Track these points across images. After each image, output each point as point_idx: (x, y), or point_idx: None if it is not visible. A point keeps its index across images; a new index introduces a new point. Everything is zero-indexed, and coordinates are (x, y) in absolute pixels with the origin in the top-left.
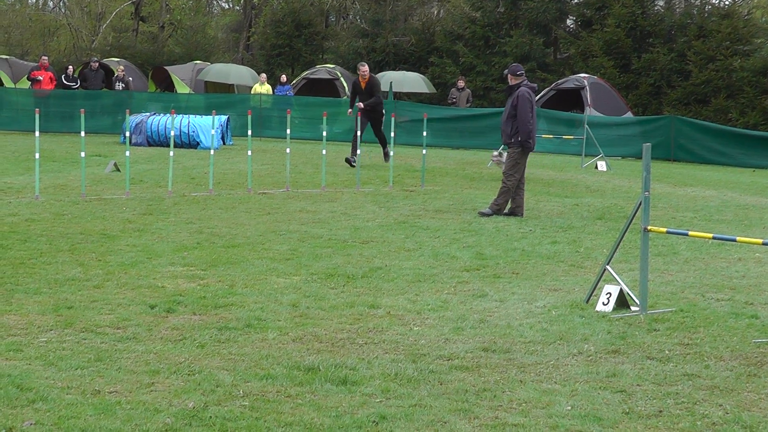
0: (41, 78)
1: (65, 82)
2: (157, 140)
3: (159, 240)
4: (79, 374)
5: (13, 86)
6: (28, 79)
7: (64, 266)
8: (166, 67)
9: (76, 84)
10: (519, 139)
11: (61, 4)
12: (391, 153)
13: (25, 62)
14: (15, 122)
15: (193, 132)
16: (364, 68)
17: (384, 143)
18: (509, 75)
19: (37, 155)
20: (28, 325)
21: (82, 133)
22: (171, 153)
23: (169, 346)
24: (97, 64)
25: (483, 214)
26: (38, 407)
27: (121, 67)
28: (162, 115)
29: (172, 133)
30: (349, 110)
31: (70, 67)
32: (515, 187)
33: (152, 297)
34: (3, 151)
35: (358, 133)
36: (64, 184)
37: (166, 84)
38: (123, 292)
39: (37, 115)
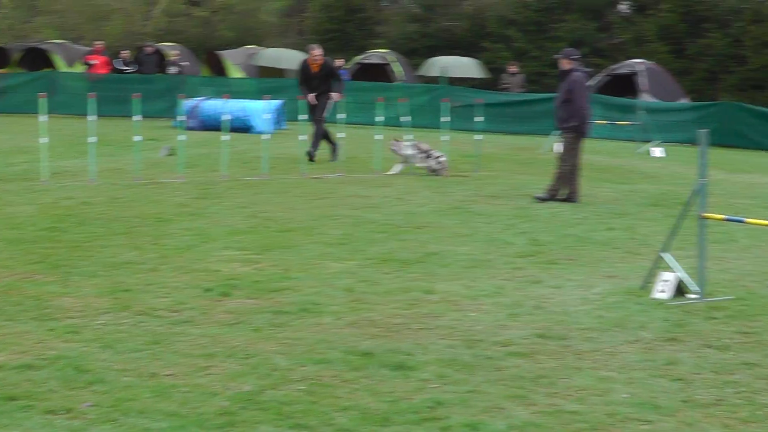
0: (96, 62)
1: (121, 66)
2: (211, 124)
3: (213, 224)
4: (136, 357)
5: (67, 70)
6: (83, 63)
7: (120, 249)
8: (218, 52)
9: (131, 68)
10: (573, 123)
11: None
12: (336, 157)
13: (80, 47)
14: (69, 106)
15: (247, 116)
16: (317, 51)
17: (326, 136)
18: (563, 59)
19: (92, 139)
20: (85, 307)
21: (137, 117)
22: (224, 137)
23: (224, 329)
24: (152, 48)
25: (538, 199)
26: (96, 389)
27: (175, 52)
28: (215, 99)
29: (226, 118)
30: (311, 96)
31: (125, 51)
32: (570, 173)
33: (207, 281)
34: (58, 135)
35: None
36: (118, 168)
37: (218, 68)
38: (178, 276)
39: (91, 99)
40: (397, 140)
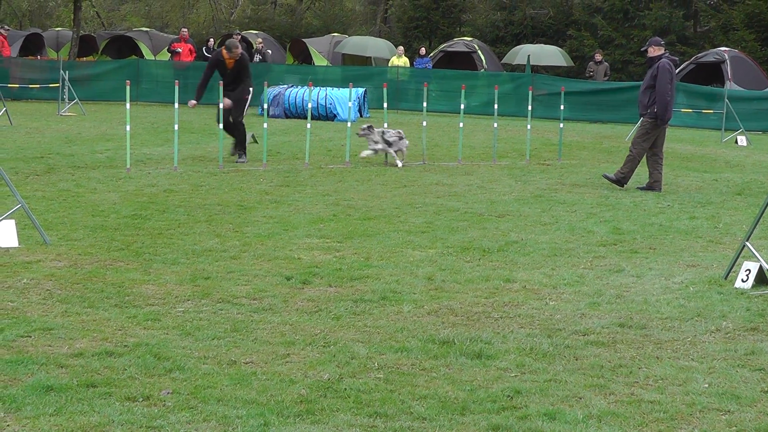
0: (181, 50)
1: (206, 54)
2: (295, 112)
3: (295, 212)
4: (216, 344)
5: (153, 58)
6: (168, 51)
7: (202, 237)
8: (303, 40)
9: None
10: (655, 110)
11: None
12: (244, 160)
13: (165, 34)
14: (154, 93)
15: (330, 104)
16: (238, 50)
17: (241, 139)
18: (651, 46)
19: (176, 126)
20: (166, 294)
21: (221, 105)
22: (308, 125)
23: (304, 317)
24: (239, 36)
25: (607, 177)
26: (175, 376)
27: (260, 40)
28: (299, 87)
29: (310, 105)
30: (192, 102)
31: (211, 39)
32: (642, 157)
33: (288, 268)
34: (142, 123)
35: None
36: (202, 155)
37: (303, 56)
38: (259, 264)
39: (176, 87)
40: (371, 127)
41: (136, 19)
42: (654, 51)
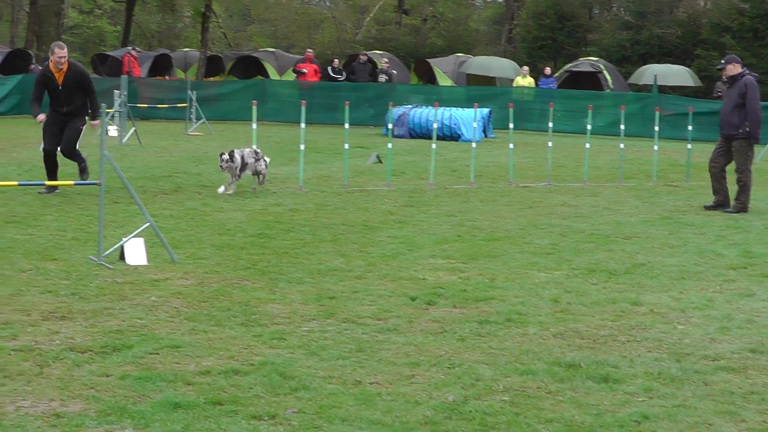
0: (306, 70)
1: (332, 74)
2: (419, 132)
3: (420, 232)
4: (341, 364)
5: (278, 78)
6: (294, 71)
7: (327, 256)
8: (428, 60)
9: (342, 76)
10: (747, 129)
11: None
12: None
13: (291, 55)
14: (280, 113)
15: (455, 124)
16: (62, 51)
17: (81, 160)
18: (730, 64)
19: (302, 146)
20: (292, 314)
21: (346, 125)
22: (433, 145)
23: (429, 338)
24: (365, 57)
25: (727, 212)
26: (300, 396)
27: (385, 60)
28: (424, 107)
29: (435, 126)
30: (39, 116)
31: (336, 59)
32: (751, 179)
33: (413, 289)
34: (268, 142)
35: (49, 148)
36: (327, 175)
37: (428, 76)
38: (384, 284)
39: (302, 108)
40: (232, 154)
41: (262, 40)
42: (734, 69)
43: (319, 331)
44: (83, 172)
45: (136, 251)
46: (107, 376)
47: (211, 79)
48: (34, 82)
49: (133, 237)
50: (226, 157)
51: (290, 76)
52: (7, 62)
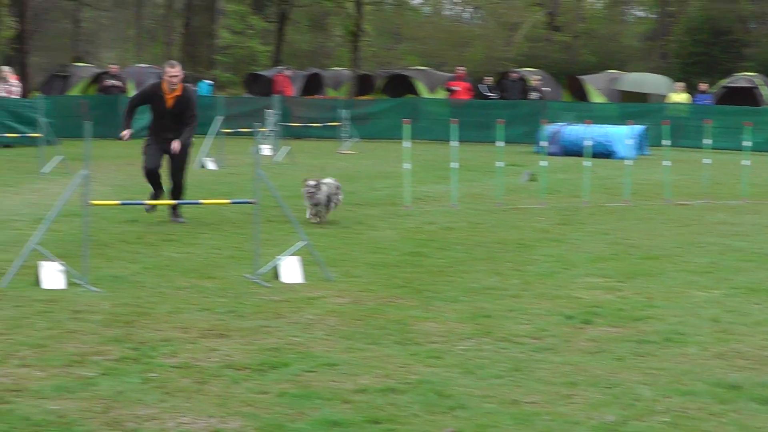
0: (458, 88)
1: (485, 92)
2: (572, 150)
3: (575, 250)
4: (497, 383)
5: (429, 96)
6: (445, 89)
7: (481, 275)
8: (580, 77)
9: (495, 94)
10: None
11: (476, 15)
12: (183, 220)
13: (442, 73)
14: (431, 132)
15: (608, 142)
16: (174, 70)
17: (179, 192)
18: None
19: (454, 164)
20: (447, 332)
21: (500, 143)
22: (586, 163)
23: (586, 358)
24: (517, 75)
25: None
26: (457, 414)
27: (537, 77)
28: (576, 124)
29: (588, 143)
30: (124, 132)
31: (488, 77)
32: None
33: (569, 307)
34: (419, 160)
35: (151, 167)
36: (480, 193)
37: (580, 93)
38: (539, 302)
39: (454, 125)
40: (316, 181)
41: (412, 58)
42: None
43: (475, 350)
44: (156, 197)
45: (291, 269)
46: (265, 394)
47: (363, 97)
48: (139, 92)
49: (289, 255)
50: (312, 184)
51: (441, 94)
52: None
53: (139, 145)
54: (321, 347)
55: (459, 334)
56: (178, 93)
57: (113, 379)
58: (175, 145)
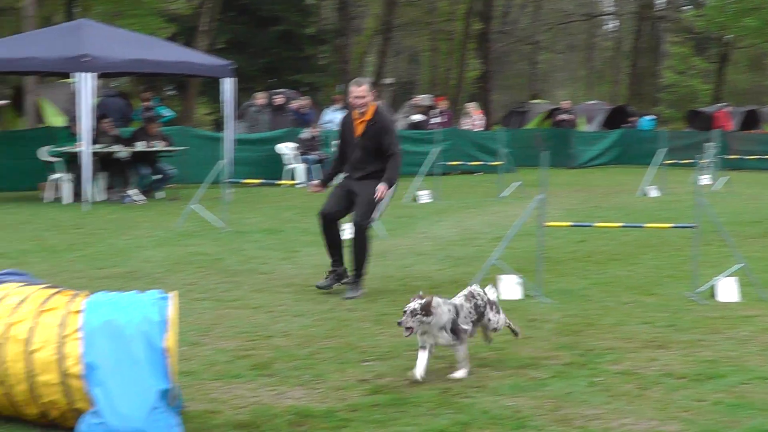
0: None
1: None
2: None
3: None
4: None
5: None
6: None
7: None
8: None
9: None
10: None
11: None
12: (358, 294)
13: None
14: None
15: None
16: (360, 89)
17: (358, 248)
18: None
19: None
20: None
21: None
22: None
23: None
24: None
25: None
26: None
27: None
28: None
29: None
30: (311, 183)
31: None
32: None
33: None
34: None
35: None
36: None
37: None
38: None
39: None
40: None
41: None
42: None
43: None
44: (335, 273)
45: (728, 289)
46: (702, 402)
47: None
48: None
49: (726, 276)
50: (414, 306)
51: None
52: (610, 118)
53: (581, 174)
54: (756, 362)
55: None
56: (368, 117)
57: (562, 381)
58: (381, 188)
